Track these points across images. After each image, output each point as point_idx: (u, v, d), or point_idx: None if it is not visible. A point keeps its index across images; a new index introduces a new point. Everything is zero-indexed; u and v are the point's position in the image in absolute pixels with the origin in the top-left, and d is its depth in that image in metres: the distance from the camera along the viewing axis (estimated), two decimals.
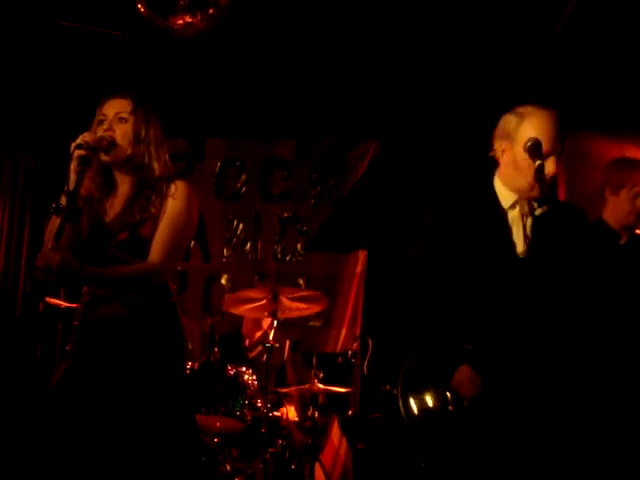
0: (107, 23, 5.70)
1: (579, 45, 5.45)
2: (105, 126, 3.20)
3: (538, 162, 2.99)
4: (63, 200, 2.99)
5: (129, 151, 3.21)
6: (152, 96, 3.75)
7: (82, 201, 3.12)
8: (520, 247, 3.08)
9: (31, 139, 7.03)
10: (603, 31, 5.28)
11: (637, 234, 4.09)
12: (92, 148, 3.07)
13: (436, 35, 5.72)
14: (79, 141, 3.05)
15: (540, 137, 3.02)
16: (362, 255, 6.80)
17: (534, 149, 3.02)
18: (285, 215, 7.03)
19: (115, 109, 3.24)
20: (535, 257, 3.03)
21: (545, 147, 3.03)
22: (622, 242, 4.07)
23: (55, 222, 3.00)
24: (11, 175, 7.07)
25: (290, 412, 5.41)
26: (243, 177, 7.11)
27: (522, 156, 3.07)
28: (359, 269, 6.79)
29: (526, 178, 3.06)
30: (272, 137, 7.10)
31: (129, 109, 3.24)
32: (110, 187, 3.28)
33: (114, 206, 3.26)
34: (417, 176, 6.62)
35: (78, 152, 3.03)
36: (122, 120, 3.23)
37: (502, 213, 3.14)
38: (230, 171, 7.15)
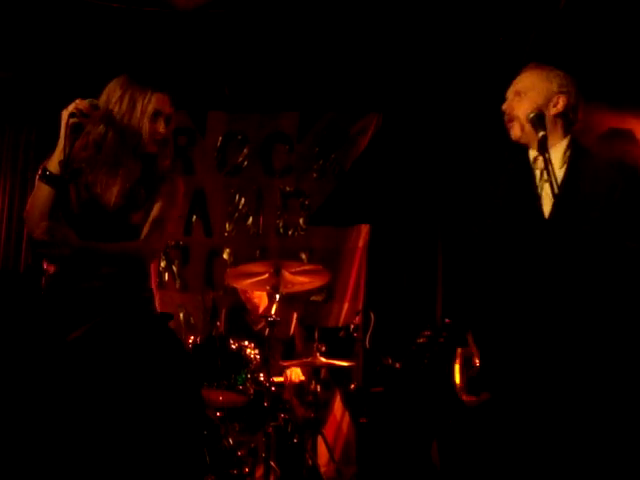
0: None
1: (583, 14, 5.40)
2: (162, 125, 3.23)
3: (542, 133, 2.99)
4: (53, 167, 2.98)
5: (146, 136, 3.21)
6: (153, 69, 3.74)
7: (73, 172, 3.10)
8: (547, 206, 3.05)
9: (32, 114, 6.99)
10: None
11: None
12: (84, 115, 3.03)
13: (439, 4, 5.67)
14: (72, 109, 3.02)
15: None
16: (364, 229, 6.79)
17: (536, 120, 3.04)
18: (287, 189, 7.01)
19: (166, 105, 3.26)
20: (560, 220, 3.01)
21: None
22: None
23: (42, 190, 2.99)
24: (12, 150, 7.05)
25: (294, 373, 5.43)
26: (245, 151, 7.08)
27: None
28: (361, 243, 6.77)
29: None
30: (274, 111, 7.06)
31: (173, 109, 3.29)
32: (111, 163, 3.24)
33: (110, 181, 3.22)
34: (419, 149, 6.59)
35: (72, 120, 3.00)
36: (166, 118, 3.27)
37: (530, 172, 3.16)
38: (232, 145, 7.11)
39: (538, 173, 3.13)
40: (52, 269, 3.22)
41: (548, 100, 3.14)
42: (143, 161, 3.25)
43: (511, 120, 3.18)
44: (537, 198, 3.09)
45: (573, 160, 3.13)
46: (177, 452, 3.06)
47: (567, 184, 3.08)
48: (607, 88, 5.59)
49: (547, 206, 3.07)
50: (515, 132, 3.18)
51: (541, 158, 3.05)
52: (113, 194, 3.20)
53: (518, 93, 3.17)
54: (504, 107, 3.22)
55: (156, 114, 3.21)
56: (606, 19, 5.39)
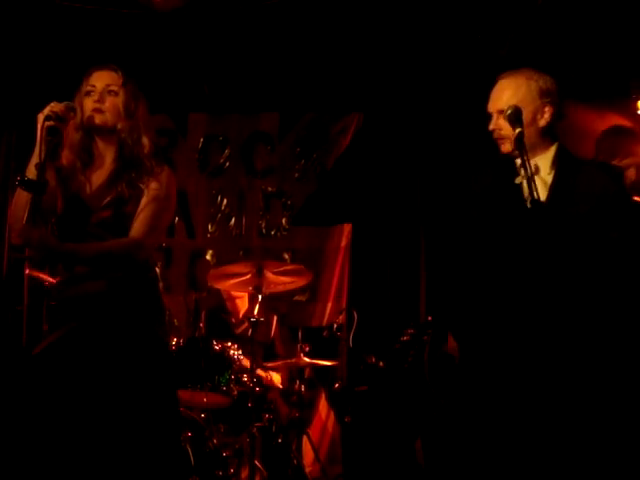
0: None
1: (561, 13, 5.43)
2: (95, 97, 3.16)
3: (518, 130, 2.99)
4: (30, 172, 2.96)
5: (118, 125, 3.17)
6: (132, 72, 3.71)
7: (56, 174, 3.08)
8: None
9: (12, 116, 6.96)
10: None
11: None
12: (60, 118, 3.02)
13: (418, 5, 5.68)
14: (47, 112, 3.00)
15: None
16: (347, 228, 6.79)
17: (513, 117, 3.04)
18: (269, 190, 7.00)
19: (105, 81, 3.19)
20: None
21: (489, 108, 3.16)
22: None
23: (21, 195, 2.97)
24: None
25: (275, 378, 5.42)
26: (226, 152, 7.07)
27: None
28: (344, 242, 6.77)
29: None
30: (254, 111, 7.05)
31: (120, 82, 3.20)
32: (90, 161, 3.24)
33: (94, 180, 3.21)
34: (401, 148, 6.61)
35: (47, 123, 2.98)
36: (112, 93, 3.19)
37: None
38: (213, 146, 7.09)
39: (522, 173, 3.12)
40: (57, 279, 3.21)
41: (534, 113, 3.11)
42: (118, 148, 3.21)
43: (501, 138, 3.14)
44: (523, 203, 3.08)
45: (561, 165, 3.13)
46: (157, 452, 3.04)
47: (556, 189, 3.08)
48: (583, 86, 5.62)
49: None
50: (506, 148, 3.14)
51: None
52: (98, 189, 3.19)
53: (502, 112, 3.11)
54: (491, 127, 3.16)
55: (90, 91, 3.18)
56: (579, 15, 5.42)
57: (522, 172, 3.02)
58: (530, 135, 3.09)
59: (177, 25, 5.95)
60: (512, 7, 5.49)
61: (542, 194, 3.01)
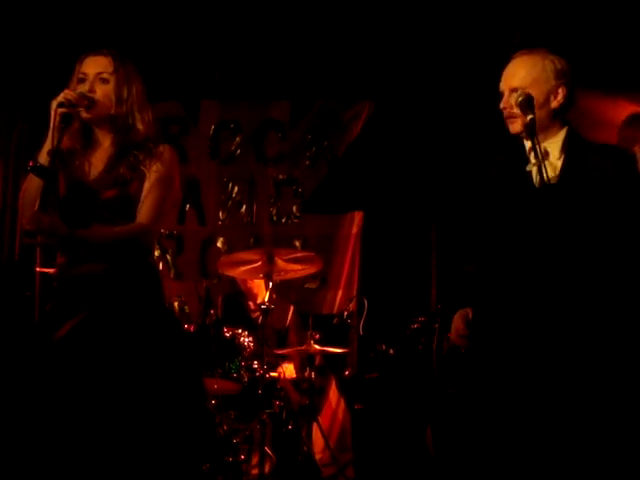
0: None
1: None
2: (86, 87, 3.17)
3: (530, 116, 2.96)
4: (42, 158, 2.96)
5: (112, 111, 3.18)
6: (144, 59, 3.72)
7: (58, 160, 3.08)
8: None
9: (23, 103, 6.97)
10: None
11: None
12: (73, 105, 3.03)
13: None
14: (61, 99, 3.02)
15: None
16: (358, 216, 6.78)
17: (525, 103, 3.00)
18: (280, 177, 6.99)
19: (96, 69, 3.19)
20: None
21: (501, 86, 3.11)
22: None
23: (33, 181, 2.98)
24: (4, 138, 7.02)
25: (288, 370, 5.43)
26: (238, 139, 7.06)
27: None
28: (355, 230, 6.77)
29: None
30: (266, 98, 7.04)
31: (110, 69, 3.20)
32: (88, 145, 3.26)
33: (95, 165, 3.23)
34: (412, 135, 6.59)
35: (60, 110, 2.99)
36: (103, 81, 3.19)
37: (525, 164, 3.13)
38: (224, 133, 7.09)
39: (532, 159, 3.10)
40: (61, 260, 3.22)
41: (548, 94, 3.07)
42: (114, 133, 3.22)
43: (512, 117, 3.09)
44: (532, 186, 3.06)
45: (570, 149, 3.09)
46: (179, 443, 3.03)
47: (565, 173, 3.05)
48: (597, 74, 5.59)
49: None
50: (516, 128, 3.10)
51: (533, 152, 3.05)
52: (97, 172, 3.20)
53: (515, 89, 3.06)
54: (502, 106, 3.11)
55: (82, 79, 3.19)
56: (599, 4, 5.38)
57: (532, 158, 3.01)
58: (541, 117, 3.04)
59: (189, 11, 5.94)
60: None
61: (552, 179, 2.98)
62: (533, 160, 3.00)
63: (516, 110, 3.06)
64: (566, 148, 3.10)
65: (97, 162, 3.23)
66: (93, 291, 3.11)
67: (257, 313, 5.67)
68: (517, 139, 3.17)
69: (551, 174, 2.98)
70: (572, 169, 3.05)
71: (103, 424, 2.89)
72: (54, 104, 3.02)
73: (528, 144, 3.10)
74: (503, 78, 3.15)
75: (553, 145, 3.11)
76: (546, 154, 3.04)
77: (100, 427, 2.88)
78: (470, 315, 3.17)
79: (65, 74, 3.23)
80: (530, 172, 3.06)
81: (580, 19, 5.59)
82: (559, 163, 3.08)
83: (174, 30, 6.23)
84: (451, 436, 4.72)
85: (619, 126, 4.31)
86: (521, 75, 3.08)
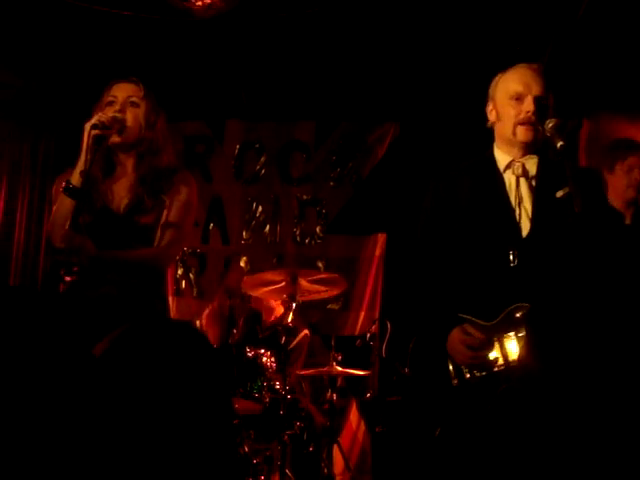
0: (126, 4, 5.69)
1: (601, 25, 5.39)
2: (117, 107, 3.22)
3: (560, 143, 2.93)
4: (75, 179, 3.00)
5: (140, 135, 3.22)
6: (170, 79, 3.76)
7: (90, 182, 3.12)
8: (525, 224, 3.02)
9: (50, 122, 7.04)
10: (624, 12, 5.22)
11: None
12: (106, 127, 3.07)
13: (456, 14, 5.67)
14: (94, 121, 3.07)
15: (514, 83, 3.11)
16: (381, 238, 6.78)
17: (560, 129, 2.94)
18: (304, 197, 7.02)
19: (127, 92, 3.26)
20: (538, 235, 2.99)
21: (521, 89, 3.08)
22: (627, 222, 3.99)
23: (65, 201, 3.01)
24: (30, 158, 7.09)
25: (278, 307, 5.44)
26: (262, 159, 7.10)
27: (502, 104, 3.14)
28: (378, 252, 6.77)
29: (509, 127, 3.10)
30: (291, 119, 7.08)
31: (141, 94, 3.28)
32: (110, 170, 3.30)
33: (116, 189, 3.27)
34: (437, 158, 6.58)
35: (94, 132, 3.03)
36: (134, 104, 3.26)
37: (499, 177, 3.13)
38: (249, 153, 7.14)
39: (514, 180, 3.08)
40: (69, 278, 3.24)
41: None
42: (137, 158, 3.27)
43: (531, 123, 3.06)
44: (512, 210, 3.05)
45: (543, 167, 3.10)
46: (208, 460, 3.02)
47: (538, 192, 3.05)
48: (617, 97, 5.57)
49: (525, 221, 3.04)
50: (529, 136, 3.08)
51: (517, 164, 3.07)
52: (120, 198, 3.24)
53: (540, 98, 3.05)
54: (527, 109, 3.07)
55: (111, 101, 3.24)
56: (619, 28, 5.38)
57: (565, 186, 2.96)
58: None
59: (215, 32, 5.99)
60: (551, 19, 5.46)
61: (527, 198, 3.03)
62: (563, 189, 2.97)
63: (536, 119, 3.04)
64: (541, 167, 3.10)
65: (119, 187, 3.28)
66: (112, 312, 3.13)
67: (266, 332, 5.67)
68: (489, 156, 3.19)
69: (528, 193, 3.03)
70: (545, 188, 3.03)
71: (132, 439, 2.90)
72: (87, 126, 3.07)
73: (505, 159, 3.11)
74: (523, 81, 3.12)
75: (531, 162, 3.12)
76: (524, 172, 3.07)
77: (129, 442, 2.89)
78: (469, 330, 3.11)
79: (91, 94, 3.29)
80: (504, 186, 3.07)
81: (604, 44, 5.58)
82: (534, 182, 3.08)
83: (202, 50, 6.28)
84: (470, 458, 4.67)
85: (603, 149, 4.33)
86: (541, 84, 3.09)
